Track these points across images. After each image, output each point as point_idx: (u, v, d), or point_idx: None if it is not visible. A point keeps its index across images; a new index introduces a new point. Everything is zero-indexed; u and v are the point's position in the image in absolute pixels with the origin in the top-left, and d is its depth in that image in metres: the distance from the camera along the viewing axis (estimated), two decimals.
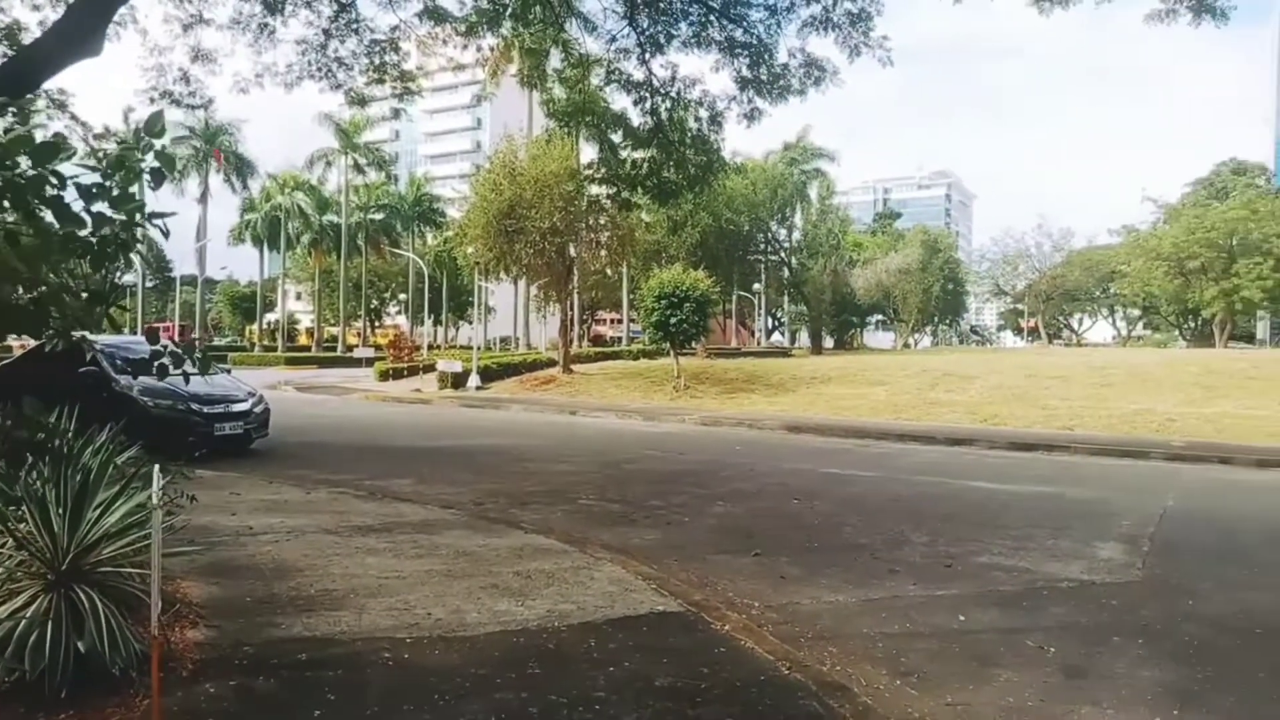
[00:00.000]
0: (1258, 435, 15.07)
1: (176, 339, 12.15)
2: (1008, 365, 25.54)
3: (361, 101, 14.21)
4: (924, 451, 13.94)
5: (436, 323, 72.36)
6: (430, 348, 54.71)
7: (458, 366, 27.55)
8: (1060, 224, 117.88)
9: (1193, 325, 58.21)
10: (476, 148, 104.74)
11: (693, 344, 27.40)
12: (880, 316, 66.81)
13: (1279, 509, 9.26)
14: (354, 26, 12.43)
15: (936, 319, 64.60)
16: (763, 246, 50.62)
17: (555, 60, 15.44)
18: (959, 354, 37.21)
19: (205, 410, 11.41)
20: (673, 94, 14.13)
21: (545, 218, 25.02)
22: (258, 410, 12.27)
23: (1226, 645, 4.69)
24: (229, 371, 14.12)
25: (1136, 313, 69.29)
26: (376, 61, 12.91)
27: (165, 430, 10.41)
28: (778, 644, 4.48)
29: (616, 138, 22.49)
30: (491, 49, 15.79)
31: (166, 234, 3.23)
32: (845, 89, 13.58)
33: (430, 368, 30.22)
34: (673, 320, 22.52)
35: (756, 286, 55.34)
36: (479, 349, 30.72)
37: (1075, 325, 74.29)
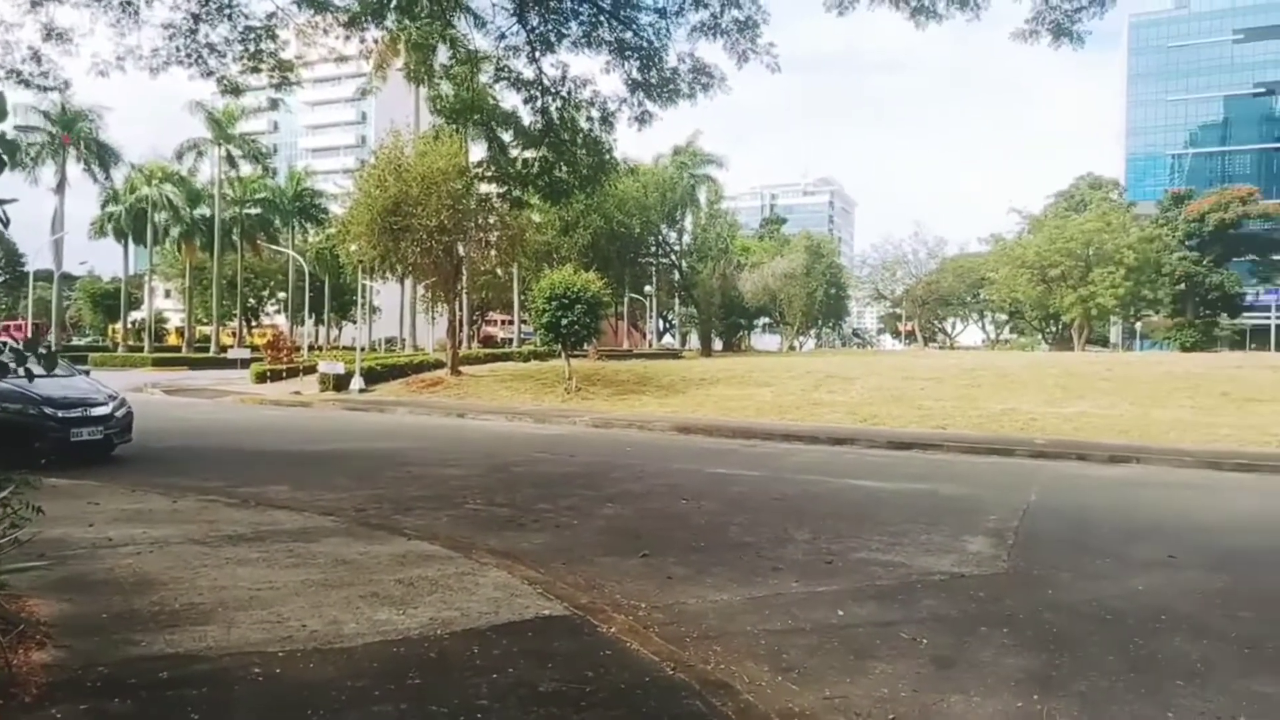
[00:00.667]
0: (1110, 433, 16.15)
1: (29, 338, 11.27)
2: (886, 367, 26.58)
3: (235, 90, 13.53)
4: (807, 451, 14.33)
5: (318, 323, 69.83)
6: (311, 349, 52.77)
7: (340, 368, 26.63)
8: (935, 232, 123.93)
9: (1054, 330, 62.08)
10: (361, 142, 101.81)
11: (584, 346, 27.37)
12: (767, 319, 68.47)
13: (1128, 501, 9.94)
14: (226, 11, 11.82)
15: (820, 322, 66.74)
16: (654, 249, 51.11)
17: (443, 55, 15.13)
18: (841, 356, 38.53)
19: (60, 414, 10.64)
20: (563, 94, 14.06)
21: (432, 215, 24.47)
22: (119, 414, 11.51)
23: (1081, 632, 4.99)
24: (88, 373, 13.19)
25: (1004, 317, 73.40)
26: (251, 49, 12.30)
27: (13, 436, 9.67)
28: (663, 645, 4.50)
29: (507, 136, 22.21)
30: (376, 41, 15.34)
31: (6, 223, 2.98)
32: (734, 96, 13.87)
33: (311, 369, 29.14)
34: (564, 322, 22.43)
35: (648, 289, 55.87)
36: (363, 350, 29.81)
37: (949, 329, 78.12)
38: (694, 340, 62.86)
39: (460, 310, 33.28)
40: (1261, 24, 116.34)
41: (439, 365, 29.65)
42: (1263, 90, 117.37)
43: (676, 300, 62.72)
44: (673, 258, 51.65)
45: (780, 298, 55.70)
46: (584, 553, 6.74)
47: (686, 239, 51.38)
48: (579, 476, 11.01)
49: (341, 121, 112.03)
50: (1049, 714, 3.83)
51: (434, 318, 41.89)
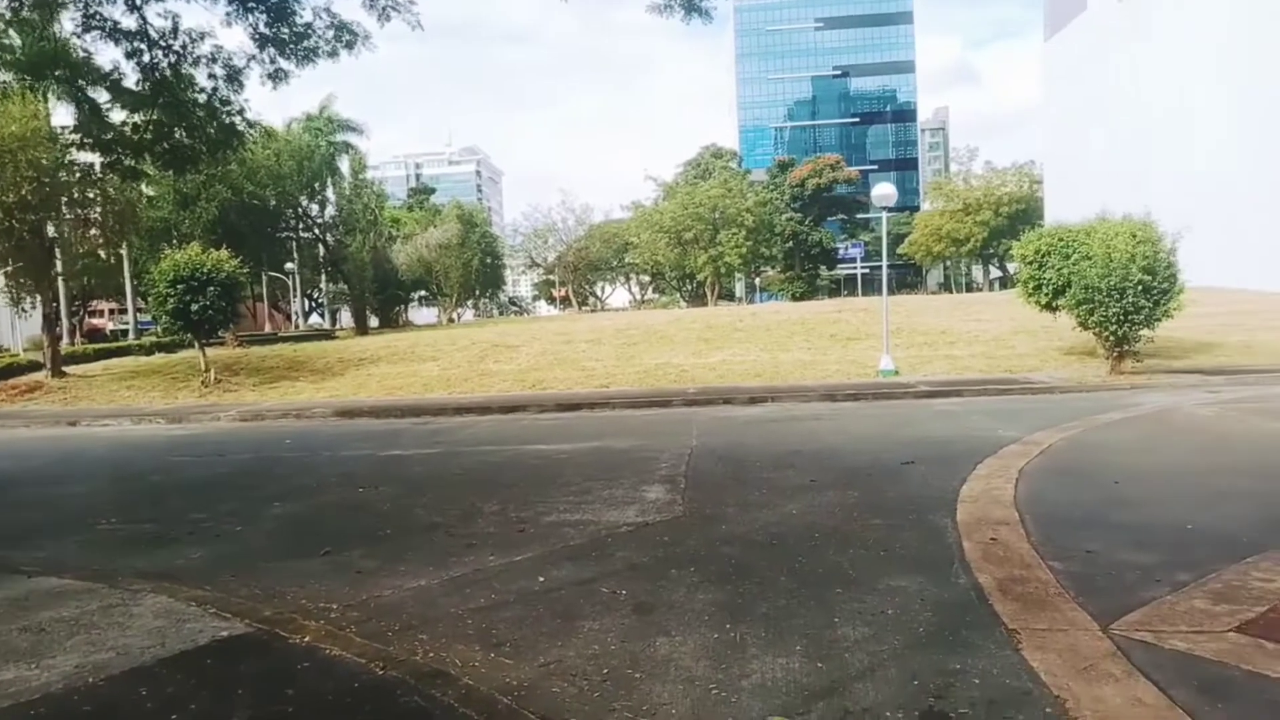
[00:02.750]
0: (748, 377, 18.09)
1: None
2: (547, 332, 27.30)
3: None
4: (482, 422, 14.29)
5: None
6: None
7: None
8: (581, 200, 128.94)
9: (691, 288, 67.89)
10: None
11: (220, 332, 24.71)
12: (424, 292, 66.97)
13: (771, 436, 11.18)
14: None
15: (478, 292, 66.66)
16: (293, 223, 47.41)
17: None
18: (503, 325, 38.85)
19: None
20: (176, 48, 12.40)
21: (10, 190, 20.46)
22: None
23: (755, 559, 5.51)
24: None
25: (648, 279, 78.77)
26: None
27: None
28: (366, 644, 4.21)
29: (103, 96, 19.06)
30: None
31: None
32: (375, 62, 13.16)
33: None
34: (194, 307, 19.96)
35: (290, 266, 51.77)
36: None
37: (600, 293, 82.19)
38: (347, 319, 59.70)
39: (56, 301, 28.36)
40: (838, 14, 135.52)
41: (36, 367, 25.11)
42: (840, 73, 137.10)
43: (324, 277, 58.95)
44: (316, 231, 48.33)
45: (436, 269, 54.68)
46: (257, 560, 6.10)
47: (330, 211, 48.29)
48: (235, 477, 9.97)
49: None
50: (741, 638, 4.17)
51: (23, 312, 35.25)
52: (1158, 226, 15.69)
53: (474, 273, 57.16)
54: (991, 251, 75.10)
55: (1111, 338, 15.64)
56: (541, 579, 5.30)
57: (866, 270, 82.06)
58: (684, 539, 6.08)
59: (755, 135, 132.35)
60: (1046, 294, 17.23)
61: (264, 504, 8.14)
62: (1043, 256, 17.37)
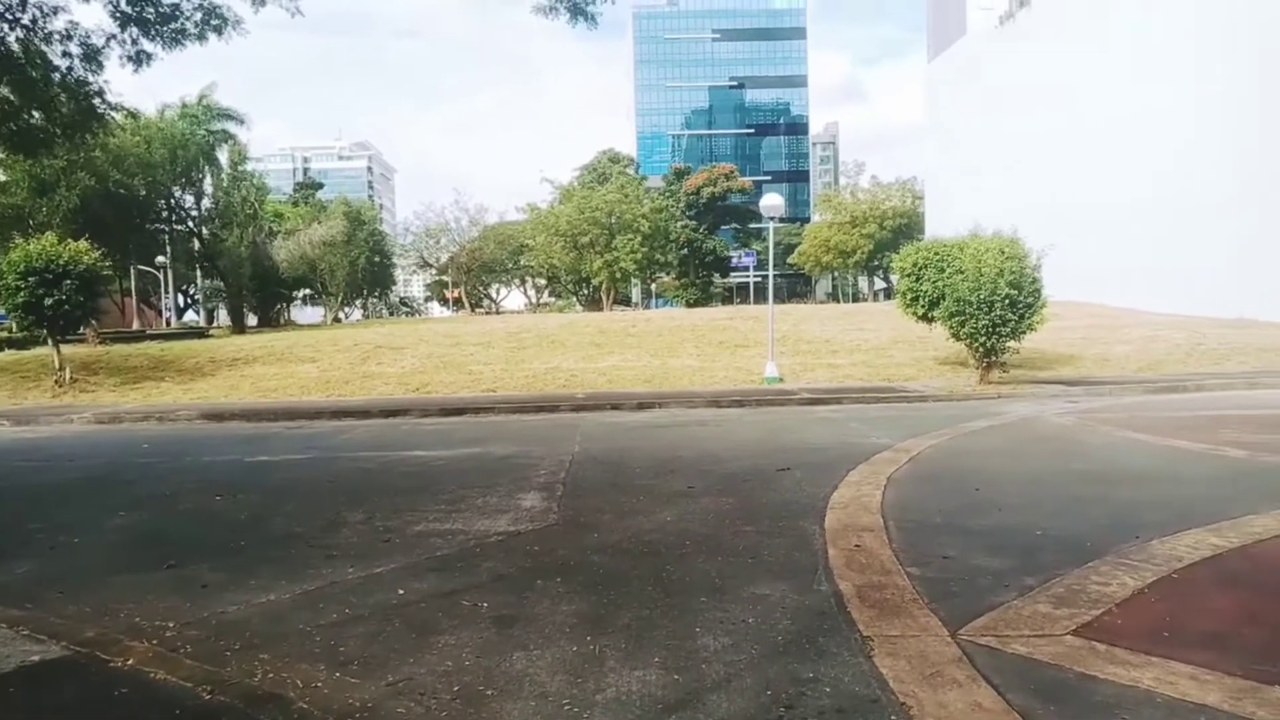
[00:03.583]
0: (637, 382, 18.10)
1: None
2: (436, 335, 26.68)
3: None
4: (360, 427, 13.80)
5: None
6: None
7: None
8: (476, 200, 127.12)
9: (587, 292, 67.78)
10: None
11: (80, 329, 23.11)
12: (308, 291, 64.52)
13: (654, 442, 11.17)
14: None
15: (366, 292, 64.64)
16: (166, 214, 44.92)
17: None
18: (390, 326, 37.78)
19: None
20: (25, 21, 11.50)
21: None
22: None
23: (624, 568, 5.43)
24: None
25: (543, 282, 78.25)
26: None
27: None
28: (197, 666, 3.91)
29: None
30: None
31: None
32: (258, 50, 12.55)
33: None
34: (48, 301, 18.54)
35: (161, 260, 49.01)
36: None
37: (494, 295, 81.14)
38: (223, 316, 56.93)
39: None
40: (734, 26, 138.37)
41: None
42: (736, 84, 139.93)
43: (199, 272, 56.09)
44: (191, 224, 45.94)
45: (321, 267, 52.68)
46: (89, 576, 5.64)
47: (207, 203, 45.94)
48: (81, 484, 9.27)
49: None
50: (600, 651, 4.08)
51: None
52: (1024, 244, 16.51)
53: (361, 271, 55.35)
54: (877, 264, 77.89)
55: (981, 349, 16.36)
56: (401, 592, 5.08)
57: (759, 279, 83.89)
58: (555, 548, 5.96)
59: (653, 142, 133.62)
60: (923, 306, 17.88)
61: (108, 514, 7.57)
62: (920, 270, 18.02)
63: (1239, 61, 27.92)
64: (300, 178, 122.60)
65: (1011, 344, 16.39)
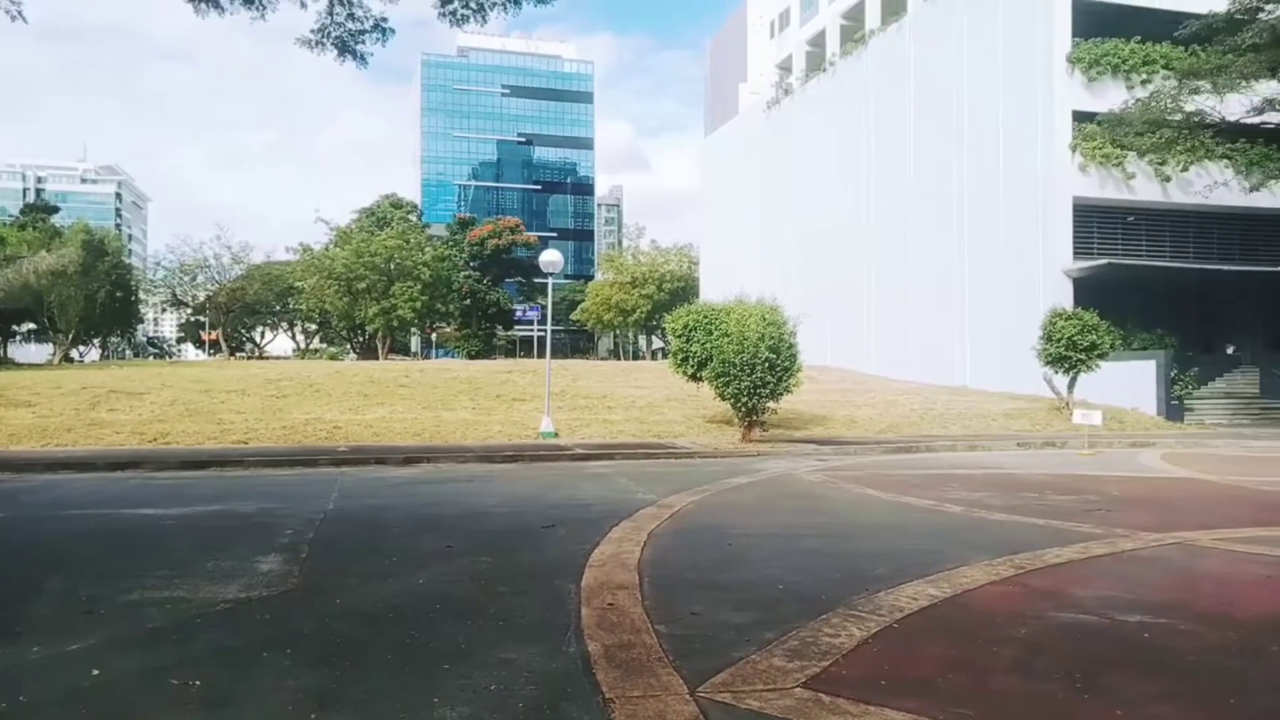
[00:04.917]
0: (406, 436, 17.42)
1: None
2: (183, 379, 24.38)
3: None
4: (78, 481, 12.21)
5: None
6: None
7: None
8: (240, 237, 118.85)
9: (361, 339, 64.85)
10: None
11: None
12: (32, 326, 57.04)
13: (418, 499, 10.72)
14: None
15: (106, 330, 58.07)
16: None
17: None
18: (131, 368, 34.01)
19: None
20: None
21: None
22: None
23: (365, 636, 5.07)
24: None
25: (314, 326, 74.06)
26: None
27: None
28: None
29: None
30: None
31: None
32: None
33: None
34: None
35: None
36: None
37: (257, 338, 75.72)
38: None
39: None
40: (524, 84, 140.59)
41: None
42: (524, 140, 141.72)
43: None
44: None
45: (50, 300, 46.71)
46: None
47: None
48: None
49: None
50: None
51: None
52: (783, 311, 17.73)
53: (100, 307, 49.59)
54: (655, 323, 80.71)
55: (743, 408, 17.26)
56: (96, 672, 4.44)
57: (542, 333, 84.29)
58: (289, 616, 5.47)
59: (438, 190, 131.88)
60: (692, 366, 18.65)
61: None
62: (690, 331, 18.82)
63: (917, 170, 32.01)
64: (32, 198, 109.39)
65: (771, 404, 17.43)
